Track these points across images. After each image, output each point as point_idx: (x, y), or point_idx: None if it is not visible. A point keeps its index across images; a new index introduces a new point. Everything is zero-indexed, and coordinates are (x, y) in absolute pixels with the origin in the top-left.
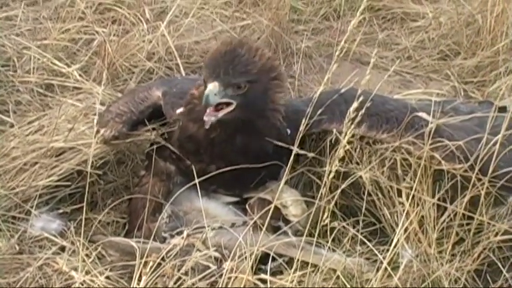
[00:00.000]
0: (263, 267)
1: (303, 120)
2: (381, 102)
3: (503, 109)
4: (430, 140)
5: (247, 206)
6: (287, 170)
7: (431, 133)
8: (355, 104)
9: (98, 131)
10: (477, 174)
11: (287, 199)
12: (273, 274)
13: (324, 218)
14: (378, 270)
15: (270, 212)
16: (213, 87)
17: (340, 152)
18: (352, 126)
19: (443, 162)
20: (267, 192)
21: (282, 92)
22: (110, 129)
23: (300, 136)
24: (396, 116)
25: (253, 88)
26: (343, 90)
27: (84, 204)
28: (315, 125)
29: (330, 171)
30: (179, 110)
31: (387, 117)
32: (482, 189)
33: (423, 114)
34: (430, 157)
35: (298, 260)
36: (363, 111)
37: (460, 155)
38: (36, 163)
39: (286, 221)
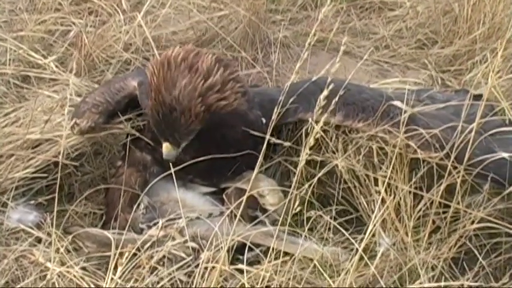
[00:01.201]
0: (240, 257)
1: (275, 109)
2: (357, 91)
3: (479, 97)
4: (405, 129)
5: (224, 196)
6: (260, 158)
7: (406, 122)
8: (325, 92)
9: (75, 123)
10: (453, 162)
11: (264, 188)
12: (250, 264)
13: (296, 206)
14: (352, 258)
15: (245, 201)
16: (166, 149)
17: (311, 141)
18: (324, 114)
19: (418, 150)
20: (243, 182)
21: (238, 90)
22: (86, 120)
23: (273, 124)
24: (372, 104)
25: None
26: (316, 79)
27: (56, 195)
28: (291, 114)
29: (301, 160)
30: None
31: (363, 106)
32: (458, 177)
33: (398, 103)
34: (405, 146)
35: (274, 249)
36: (338, 99)
37: (435, 144)
38: (12, 155)
39: (264, 211)
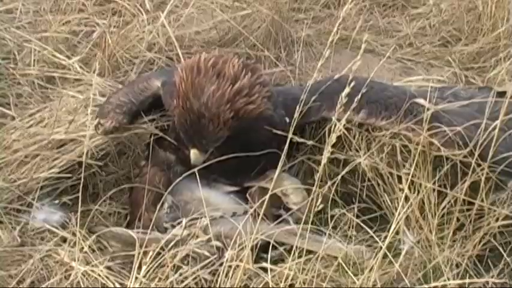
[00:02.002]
0: (264, 255)
1: (297, 108)
2: (380, 89)
3: (503, 94)
4: (428, 126)
5: (247, 195)
6: (283, 156)
7: (430, 119)
8: (347, 90)
9: (99, 123)
10: (476, 159)
11: (288, 187)
12: (274, 262)
13: (318, 204)
14: (376, 256)
15: (267, 200)
16: (194, 155)
17: (333, 138)
18: (347, 112)
19: (442, 148)
20: (267, 181)
21: (264, 95)
22: (110, 120)
23: (296, 124)
24: (395, 102)
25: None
26: (339, 77)
27: (80, 195)
28: (314, 113)
29: (324, 158)
30: None
31: (386, 104)
32: (482, 174)
33: (421, 101)
34: (429, 143)
35: (297, 247)
36: (360, 97)
37: (459, 141)
38: (37, 155)
39: (287, 210)
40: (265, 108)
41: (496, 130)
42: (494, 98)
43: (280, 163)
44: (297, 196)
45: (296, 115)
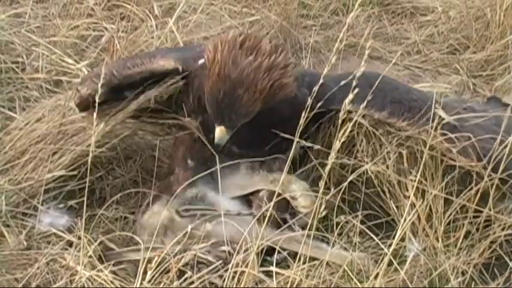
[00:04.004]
0: (269, 258)
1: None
2: (405, 90)
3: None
4: (449, 135)
5: (255, 198)
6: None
7: (451, 128)
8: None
9: (76, 89)
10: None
11: (296, 191)
12: (279, 266)
13: (321, 210)
14: (381, 263)
15: (274, 203)
16: (220, 133)
17: (341, 136)
18: (369, 108)
19: (459, 157)
20: (275, 184)
21: (295, 74)
22: (86, 88)
23: (318, 106)
24: (419, 106)
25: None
26: (368, 73)
27: (85, 199)
28: (336, 101)
29: (330, 162)
30: (202, 61)
31: (410, 106)
32: (492, 184)
33: (442, 112)
34: (446, 150)
35: (300, 254)
36: (384, 95)
37: (479, 152)
38: (41, 150)
39: (293, 214)
40: (294, 87)
41: (509, 144)
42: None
43: (289, 158)
44: (306, 200)
45: (309, 101)
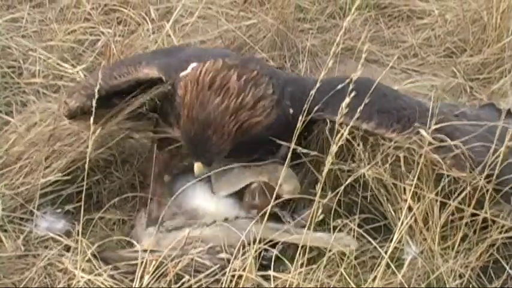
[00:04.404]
0: (265, 254)
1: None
2: (394, 97)
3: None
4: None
5: (247, 192)
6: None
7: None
8: (347, 99)
9: (64, 101)
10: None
11: (280, 178)
12: (276, 269)
13: (318, 214)
14: (379, 266)
15: (270, 206)
16: (198, 168)
17: (333, 147)
18: (357, 119)
19: (452, 169)
20: (263, 174)
21: (269, 105)
22: (74, 100)
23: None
24: (409, 115)
25: None
26: (356, 79)
27: (82, 203)
28: (325, 112)
29: (326, 167)
30: (184, 73)
31: (399, 116)
32: (487, 190)
33: (424, 133)
34: (438, 162)
35: (300, 256)
36: (371, 104)
37: (471, 163)
38: (35, 159)
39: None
40: (269, 120)
41: (502, 152)
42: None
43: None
44: (290, 185)
45: (300, 123)
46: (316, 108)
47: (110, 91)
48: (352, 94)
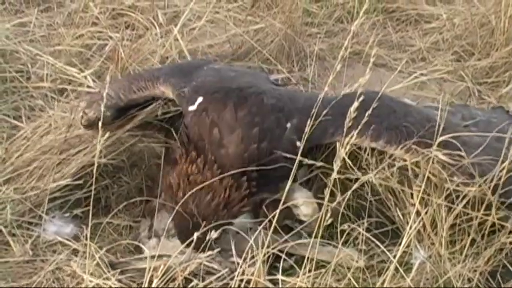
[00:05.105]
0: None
1: (310, 130)
2: (403, 113)
3: None
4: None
5: (264, 207)
6: (291, 175)
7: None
8: (352, 115)
9: (83, 111)
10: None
11: (298, 198)
12: (286, 274)
13: (327, 218)
14: (388, 270)
15: (279, 212)
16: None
17: (338, 161)
18: (366, 138)
19: (460, 186)
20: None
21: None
22: (93, 111)
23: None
24: (417, 130)
25: None
26: (362, 97)
27: (91, 207)
28: (328, 136)
29: (332, 179)
30: (191, 108)
31: (407, 131)
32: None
33: (440, 155)
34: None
35: (309, 260)
36: (382, 123)
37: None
38: (46, 165)
39: (301, 222)
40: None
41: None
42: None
43: (291, 176)
44: (308, 208)
45: (301, 145)
46: (323, 132)
47: (128, 104)
48: (354, 115)
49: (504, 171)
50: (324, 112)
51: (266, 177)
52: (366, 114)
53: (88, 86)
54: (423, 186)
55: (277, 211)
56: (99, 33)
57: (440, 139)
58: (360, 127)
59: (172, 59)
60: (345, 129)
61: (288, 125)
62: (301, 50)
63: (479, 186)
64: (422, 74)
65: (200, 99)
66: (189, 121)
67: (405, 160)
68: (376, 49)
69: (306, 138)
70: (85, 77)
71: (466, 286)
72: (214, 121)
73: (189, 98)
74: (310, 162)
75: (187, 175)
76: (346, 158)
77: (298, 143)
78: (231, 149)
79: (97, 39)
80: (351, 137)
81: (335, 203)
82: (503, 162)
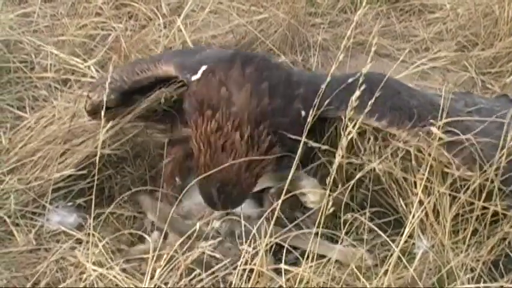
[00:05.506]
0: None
1: (317, 101)
2: (408, 95)
3: None
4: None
5: (269, 196)
6: (299, 151)
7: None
8: (357, 93)
9: (87, 96)
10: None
11: (305, 187)
12: (289, 264)
13: (329, 207)
14: (390, 259)
15: (285, 201)
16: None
17: (343, 141)
18: (368, 116)
19: (461, 169)
20: (283, 181)
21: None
22: (97, 94)
23: (313, 119)
24: (420, 112)
25: None
26: (368, 75)
27: (93, 196)
28: (332, 110)
29: (336, 163)
30: (194, 77)
31: (410, 114)
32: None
33: (434, 129)
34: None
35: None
36: (385, 103)
37: (481, 162)
38: (50, 155)
39: (304, 212)
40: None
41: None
42: None
43: (295, 162)
44: (315, 195)
45: (310, 119)
46: (326, 103)
47: (132, 86)
48: (362, 88)
49: (504, 157)
50: (328, 84)
51: (283, 138)
52: (371, 93)
53: (91, 77)
54: (426, 175)
55: (285, 200)
56: (102, 24)
57: (443, 121)
58: (364, 105)
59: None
60: (349, 105)
61: (296, 92)
62: (304, 40)
63: (484, 172)
64: (424, 64)
65: (204, 67)
66: (195, 87)
67: (406, 142)
68: (378, 38)
69: (312, 107)
70: (88, 67)
71: (468, 276)
72: (222, 80)
73: (193, 69)
74: (315, 144)
75: (207, 137)
76: (354, 132)
77: (303, 113)
78: (243, 105)
79: (100, 30)
80: (353, 112)
81: (337, 192)
82: (503, 148)
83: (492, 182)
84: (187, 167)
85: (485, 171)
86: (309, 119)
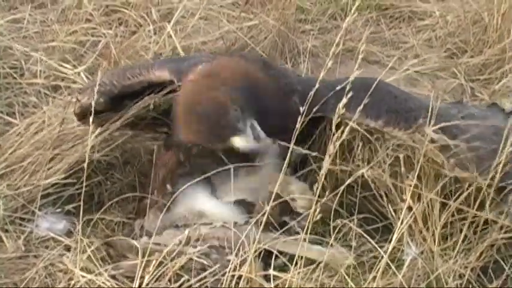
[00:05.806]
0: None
1: (313, 97)
2: (404, 99)
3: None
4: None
5: (259, 202)
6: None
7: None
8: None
9: (76, 98)
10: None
11: (295, 191)
12: (278, 269)
13: (316, 214)
14: (379, 266)
15: (275, 207)
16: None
17: (332, 147)
18: (365, 117)
19: (456, 169)
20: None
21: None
22: (87, 97)
23: (308, 115)
24: (415, 116)
25: None
26: (366, 79)
27: (82, 202)
28: (328, 108)
29: (324, 168)
30: (191, 77)
31: (407, 116)
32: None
33: (436, 136)
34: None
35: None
36: (382, 104)
37: (475, 166)
38: (40, 156)
39: (294, 217)
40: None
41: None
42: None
43: (285, 167)
44: (304, 200)
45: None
46: (322, 102)
47: (122, 91)
48: (351, 93)
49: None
50: (320, 78)
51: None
52: (367, 94)
53: (81, 84)
54: (415, 181)
55: (274, 206)
56: (92, 30)
57: (439, 126)
58: (358, 105)
59: (166, 55)
60: (339, 105)
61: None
62: (294, 47)
63: (477, 176)
64: (412, 67)
65: (200, 67)
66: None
67: (400, 144)
68: (367, 45)
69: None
70: (78, 74)
71: (457, 282)
72: (218, 68)
73: (188, 70)
74: (305, 151)
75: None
76: (344, 137)
77: (301, 108)
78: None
79: (90, 36)
80: (343, 110)
81: (324, 199)
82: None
83: (489, 186)
84: (179, 174)
85: (479, 174)
86: (300, 119)
